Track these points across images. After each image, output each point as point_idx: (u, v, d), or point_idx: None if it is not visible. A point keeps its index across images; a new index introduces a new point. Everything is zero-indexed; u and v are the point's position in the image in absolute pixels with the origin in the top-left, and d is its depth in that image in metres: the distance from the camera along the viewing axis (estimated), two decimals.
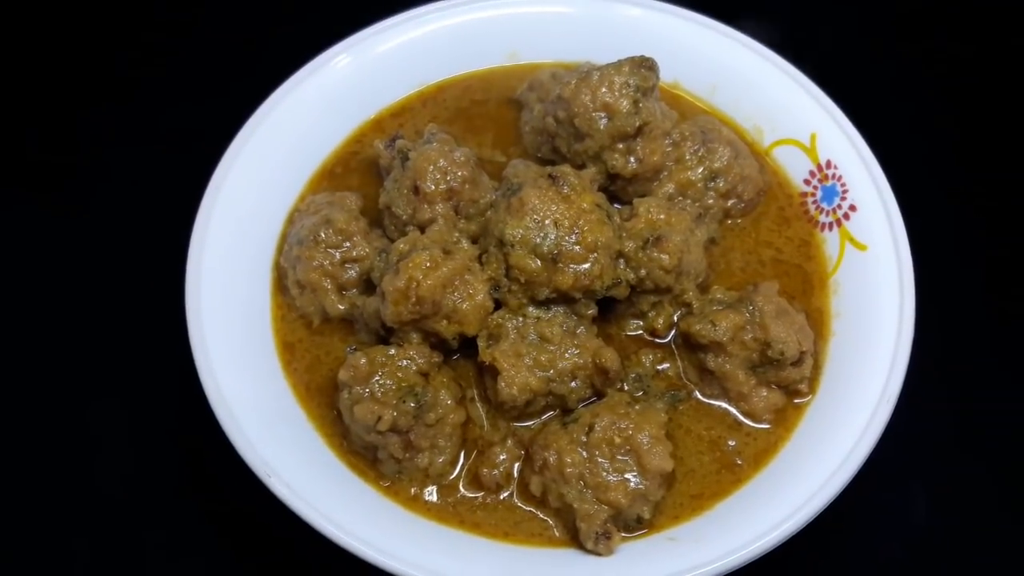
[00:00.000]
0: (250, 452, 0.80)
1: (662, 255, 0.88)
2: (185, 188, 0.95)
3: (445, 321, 0.85)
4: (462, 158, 0.93)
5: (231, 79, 1.21)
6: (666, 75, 1.01)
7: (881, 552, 0.95)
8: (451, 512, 0.84)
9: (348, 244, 0.92)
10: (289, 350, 0.91)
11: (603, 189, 0.95)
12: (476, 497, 0.85)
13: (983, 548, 0.96)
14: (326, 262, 0.91)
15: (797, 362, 0.87)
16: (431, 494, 0.85)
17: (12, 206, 1.16)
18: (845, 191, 0.97)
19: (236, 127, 0.98)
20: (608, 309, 0.92)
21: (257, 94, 1.00)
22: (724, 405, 0.89)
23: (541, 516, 0.84)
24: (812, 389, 0.89)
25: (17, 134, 1.22)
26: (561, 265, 0.85)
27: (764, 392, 0.88)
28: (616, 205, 0.97)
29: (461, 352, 0.91)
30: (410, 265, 0.83)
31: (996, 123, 1.24)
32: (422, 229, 0.91)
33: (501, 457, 0.85)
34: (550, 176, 0.87)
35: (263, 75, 1.02)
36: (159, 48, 1.30)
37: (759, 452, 0.87)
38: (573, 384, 0.86)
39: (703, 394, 0.90)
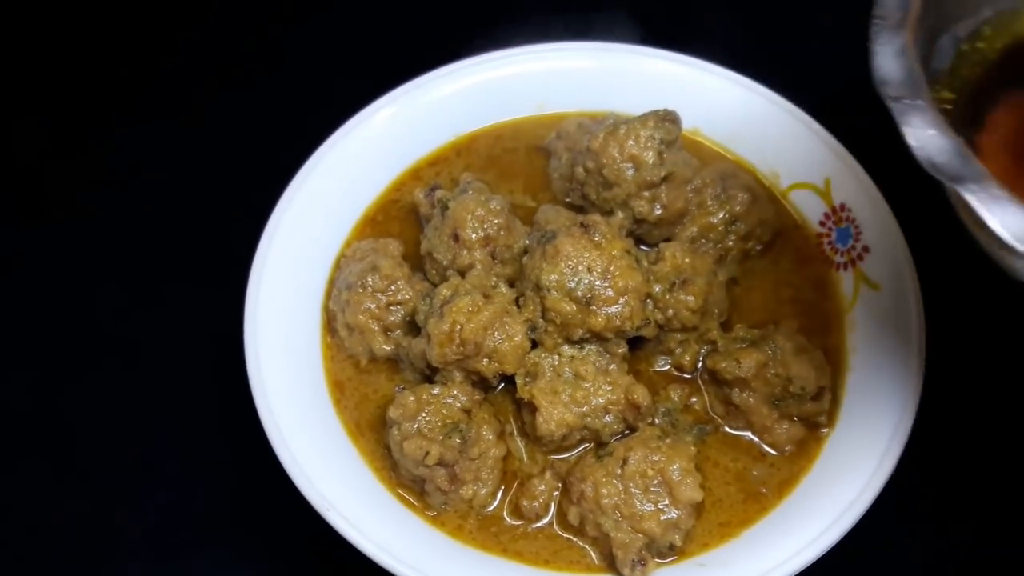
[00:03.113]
0: (309, 488, 0.85)
1: (688, 297, 0.94)
2: (239, 234, 1.01)
3: (486, 360, 0.91)
4: (497, 207, 0.99)
5: (276, 132, 1.28)
6: (687, 123, 1.07)
7: None
8: (494, 541, 0.89)
9: (393, 288, 0.98)
10: (339, 388, 0.98)
11: (630, 233, 1.01)
12: (517, 526, 0.90)
13: (993, 571, 1.01)
14: (373, 306, 0.98)
15: (816, 396, 0.92)
16: (475, 524, 0.90)
17: (65, 250, 1.23)
18: (859, 233, 1.02)
19: (282, 179, 1.04)
20: (637, 346, 0.98)
21: (301, 146, 1.06)
22: (749, 436, 0.95)
23: (579, 544, 0.89)
24: (831, 422, 0.94)
25: (65, 173, 1.29)
26: (594, 308, 0.91)
27: (786, 425, 0.93)
28: (642, 247, 1.03)
29: (499, 388, 0.97)
30: (454, 310, 0.89)
31: None
32: (462, 273, 0.97)
33: (540, 488, 0.91)
34: (582, 225, 0.93)
35: (306, 128, 1.08)
36: (209, 96, 1.36)
37: (782, 482, 0.92)
38: (607, 419, 0.91)
39: (729, 427, 0.95)
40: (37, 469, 1.06)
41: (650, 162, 0.98)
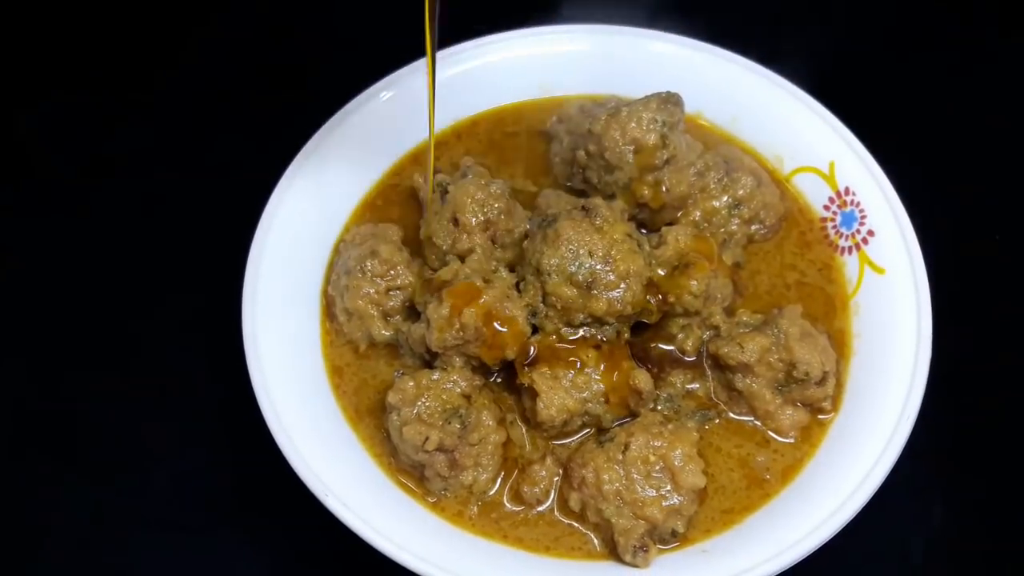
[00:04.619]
0: (308, 473, 0.85)
1: (691, 281, 0.93)
2: (238, 219, 1.01)
3: None
4: (498, 191, 0.98)
5: (274, 116, 1.27)
6: (689, 106, 1.05)
7: (901, 563, 0.99)
8: (495, 527, 0.88)
9: (392, 273, 0.97)
10: (338, 374, 0.97)
11: (632, 217, 1.00)
12: (518, 512, 0.90)
13: (997, 556, 1.00)
14: (372, 291, 0.97)
15: (821, 381, 0.91)
16: (475, 510, 0.89)
17: (64, 232, 1.22)
18: (863, 217, 1.01)
19: (280, 163, 1.03)
20: (639, 331, 0.97)
21: (300, 130, 1.05)
22: (752, 422, 0.94)
23: (580, 530, 0.88)
24: (835, 407, 0.93)
25: (64, 165, 1.28)
26: (595, 292, 0.90)
27: (790, 410, 0.92)
28: (643, 231, 1.02)
29: (500, 374, 0.96)
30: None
31: (1008, 150, 1.28)
32: (462, 258, 0.96)
33: (541, 474, 0.90)
34: (584, 208, 0.92)
35: (305, 112, 1.07)
36: (208, 81, 1.35)
37: (786, 468, 0.91)
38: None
39: (732, 412, 0.94)
40: (40, 460, 1.06)
41: (652, 145, 0.97)
